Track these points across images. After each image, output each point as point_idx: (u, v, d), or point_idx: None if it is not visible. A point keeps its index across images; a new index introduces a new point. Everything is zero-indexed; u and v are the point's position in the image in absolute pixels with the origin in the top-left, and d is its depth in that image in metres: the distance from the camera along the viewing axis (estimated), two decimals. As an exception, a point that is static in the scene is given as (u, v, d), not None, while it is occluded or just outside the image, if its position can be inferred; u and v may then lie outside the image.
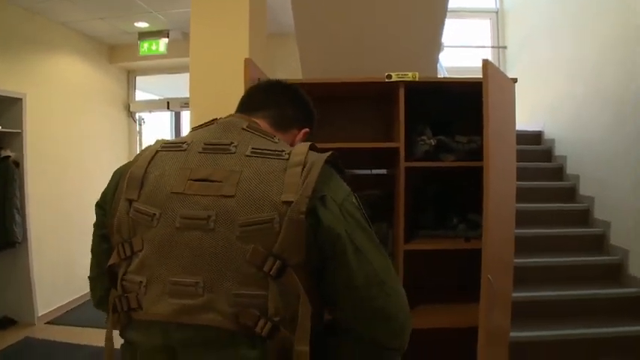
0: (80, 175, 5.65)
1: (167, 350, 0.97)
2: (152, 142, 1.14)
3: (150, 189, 1.01)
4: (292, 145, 1.18)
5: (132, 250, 1.01)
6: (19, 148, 4.64)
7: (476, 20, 7.68)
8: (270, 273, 0.92)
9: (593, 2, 4.85)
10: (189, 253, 0.95)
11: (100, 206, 1.14)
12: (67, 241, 5.39)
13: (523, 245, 3.81)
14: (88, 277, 1.18)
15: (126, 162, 1.12)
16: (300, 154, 1.00)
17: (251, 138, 1.06)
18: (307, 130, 1.29)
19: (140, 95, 6.86)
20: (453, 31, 6.83)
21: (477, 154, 2.19)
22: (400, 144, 2.32)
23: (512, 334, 2.62)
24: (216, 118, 1.15)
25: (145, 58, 5.83)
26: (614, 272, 4.12)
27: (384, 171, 2.90)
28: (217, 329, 0.93)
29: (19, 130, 4.61)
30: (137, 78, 6.74)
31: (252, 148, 1.01)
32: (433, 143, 2.41)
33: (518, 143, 2.57)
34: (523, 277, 3.70)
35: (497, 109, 2.05)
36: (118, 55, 6.23)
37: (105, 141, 6.16)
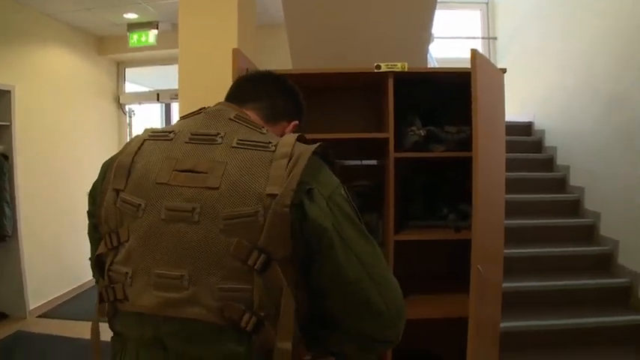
0: (70, 167, 5.62)
1: (156, 342, 0.96)
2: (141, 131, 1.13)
3: (136, 179, 1.00)
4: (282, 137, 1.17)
5: (118, 240, 1.00)
6: (8, 141, 4.61)
7: (466, 11, 7.70)
8: (255, 267, 0.91)
9: (583, -7, 4.86)
10: (174, 245, 0.94)
11: (90, 195, 1.13)
12: (57, 233, 5.37)
13: (513, 236, 3.84)
14: (89, 258, 1.17)
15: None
16: (287, 146, 0.98)
17: (238, 129, 1.04)
18: (297, 122, 1.28)
19: (130, 87, 6.80)
20: (443, 22, 6.83)
21: (467, 144, 2.19)
22: (390, 134, 2.32)
23: (502, 324, 2.63)
24: (204, 107, 1.13)
25: (135, 49, 5.77)
26: (604, 262, 4.16)
27: (374, 162, 2.90)
28: (203, 323, 0.92)
29: (8, 123, 4.58)
30: (127, 70, 6.68)
31: (239, 140, 0.99)
32: (423, 134, 2.41)
33: (508, 134, 2.58)
34: (513, 267, 3.72)
35: (486, 99, 2.05)
36: (107, 47, 6.18)
37: (95, 133, 6.12)
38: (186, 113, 1.15)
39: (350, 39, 2.96)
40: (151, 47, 5.64)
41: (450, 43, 7.19)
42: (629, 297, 3.82)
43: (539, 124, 5.82)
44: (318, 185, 0.97)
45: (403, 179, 2.58)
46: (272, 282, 0.92)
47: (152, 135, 1.07)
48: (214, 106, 1.14)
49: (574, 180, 4.90)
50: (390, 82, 2.32)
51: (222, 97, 1.23)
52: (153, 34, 5.52)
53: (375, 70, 2.31)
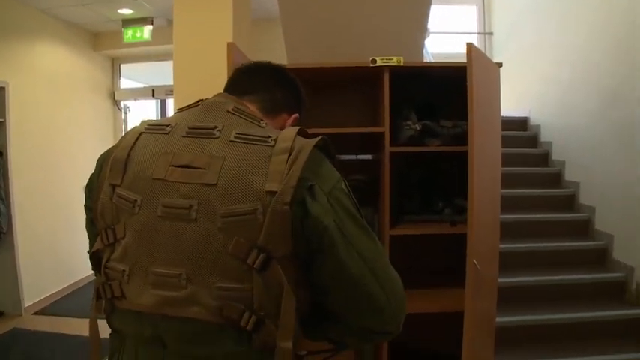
0: (65, 164, 5.60)
1: (155, 340, 0.95)
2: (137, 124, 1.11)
3: (132, 174, 0.98)
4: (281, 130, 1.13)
5: (115, 236, 0.99)
6: (3, 137, 4.61)
7: (462, 6, 7.69)
8: (254, 266, 0.89)
9: (579, -12, 4.86)
10: (172, 243, 0.93)
11: (87, 189, 1.11)
12: (53, 230, 5.36)
13: (508, 230, 3.84)
14: (88, 251, 1.15)
15: (111, 148, 1.09)
16: (287, 141, 0.95)
17: (236, 122, 1.01)
18: (297, 115, 1.25)
19: (125, 83, 6.78)
20: (439, 17, 6.82)
21: (462, 138, 2.19)
22: (385, 129, 2.31)
23: (497, 319, 2.64)
24: (202, 99, 1.11)
25: (130, 45, 5.75)
26: (600, 257, 4.17)
27: (369, 156, 2.90)
28: (202, 322, 0.91)
29: (2, 119, 4.58)
30: (122, 66, 6.66)
31: (237, 134, 0.97)
32: (418, 128, 2.40)
33: (504, 129, 2.58)
34: (508, 262, 3.72)
35: (482, 93, 2.05)
36: (102, 43, 6.15)
37: (90, 129, 6.10)
38: (182, 106, 1.12)
39: (345, 33, 2.95)
40: (145, 43, 5.62)
41: (446, 38, 7.18)
42: (623, 291, 3.84)
43: (534, 119, 5.83)
44: (319, 181, 0.95)
45: (399, 174, 2.58)
46: (272, 280, 0.91)
47: (149, 128, 1.04)
48: (212, 97, 1.12)
49: (569, 175, 4.91)
50: (386, 76, 2.32)
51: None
52: (148, 29, 5.50)
53: (371, 65, 2.30)
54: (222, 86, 1.22)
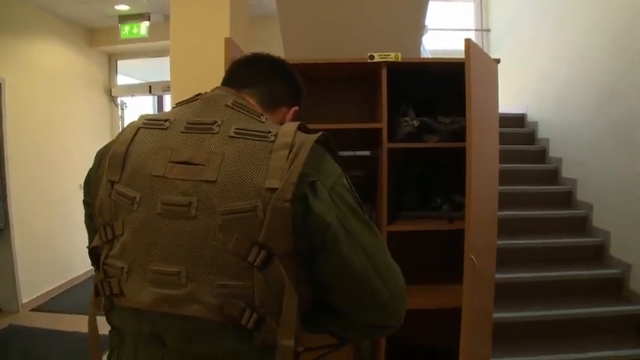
0: (62, 160, 5.60)
1: (155, 338, 0.94)
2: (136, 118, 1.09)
3: (131, 170, 0.97)
4: (282, 124, 1.07)
5: (113, 233, 0.98)
6: (0, 133, 4.57)
7: (460, 3, 7.67)
8: (255, 264, 0.88)
9: (576, -16, 4.86)
10: (171, 241, 0.92)
11: (85, 184, 1.11)
12: (50, 226, 5.36)
13: (506, 227, 3.84)
14: (87, 247, 1.15)
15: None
16: (287, 136, 0.94)
17: (235, 116, 1.00)
18: (297, 108, 1.24)
19: (122, 79, 6.77)
20: (436, 13, 6.81)
21: (460, 134, 2.19)
22: (383, 125, 2.31)
23: (495, 315, 2.64)
24: (201, 93, 1.09)
25: (127, 41, 5.74)
26: (597, 254, 4.17)
27: (367, 152, 2.89)
28: (202, 320, 0.91)
29: (-1, 116, 4.55)
30: (118, 62, 6.66)
31: (236, 129, 0.95)
32: (416, 124, 2.40)
33: (501, 126, 2.58)
34: (505, 258, 3.73)
35: (480, 89, 2.04)
36: (99, 39, 6.14)
37: (86, 125, 6.09)
38: (181, 100, 1.11)
39: (343, 31, 2.95)
40: (142, 39, 5.61)
41: (443, 35, 7.17)
42: (620, 288, 3.84)
43: (532, 115, 5.83)
44: (321, 176, 0.94)
45: (396, 170, 2.58)
46: (273, 278, 0.90)
47: (147, 123, 1.03)
48: (211, 91, 1.10)
49: (566, 172, 4.92)
50: (384, 72, 2.31)
51: (214, 89, 1.19)
52: (144, 25, 5.49)
53: (369, 61, 2.29)
54: (220, 82, 1.19)
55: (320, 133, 0.99)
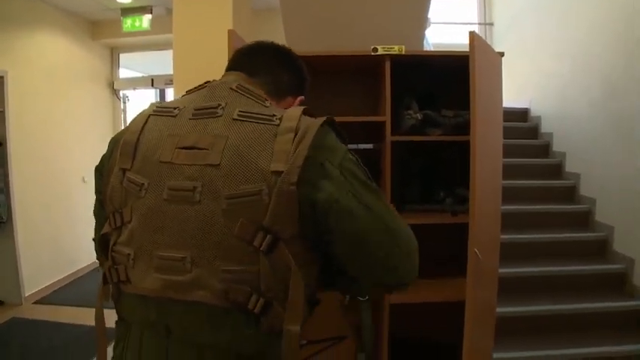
0: (64, 153, 5.59)
1: (160, 326, 0.94)
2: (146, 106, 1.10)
3: (141, 158, 0.97)
4: None
5: (122, 220, 0.99)
6: (2, 127, 4.60)
7: (463, -3, 7.65)
8: (261, 248, 0.87)
9: (580, -22, 4.83)
10: (176, 226, 0.92)
11: (97, 170, 1.11)
12: (53, 219, 5.36)
13: (509, 221, 3.83)
14: (93, 239, 1.15)
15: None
16: (292, 120, 0.93)
17: (239, 99, 0.99)
18: (302, 97, 1.22)
19: (124, 73, 6.76)
20: (439, 7, 6.78)
21: (464, 128, 2.18)
22: (386, 118, 2.30)
23: (497, 309, 2.64)
24: (209, 81, 1.09)
25: (129, 34, 5.71)
26: (600, 249, 4.17)
27: (370, 145, 2.88)
28: (208, 306, 0.90)
29: (2, 109, 4.57)
30: (121, 55, 6.64)
31: (240, 111, 0.95)
32: (419, 117, 2.39)
33: (504, 120, 2.57)
34: (508, 253, 3.72)
35: (484, 82, 2.03)
36: (101, 32, 6.12)
37: (89, 119, 6.09)
38: (190, 88, 1.11)
39: (346, 24, 2.93)
40: (145, 32, 5.59)
41: (446, 28, 7.14)
42: (624, 283, 3.83)
43: (535, 110, 5.81)
44: (329, 155, 0.93)
45: (400, 163, 2.57)
46: (279, 262, 0.89)
47: (157, 111, 1.04)
48: (221, 78, 1.10)
49: (570, 166, 4.90)
50: (387, 65, 2.30)
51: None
52: (147, 18, 5.47)
53: (372, 53, 2.28)
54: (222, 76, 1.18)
55: (325, 117, 0.99)
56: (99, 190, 1.09)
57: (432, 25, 5.85)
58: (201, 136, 0.94)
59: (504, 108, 2.57)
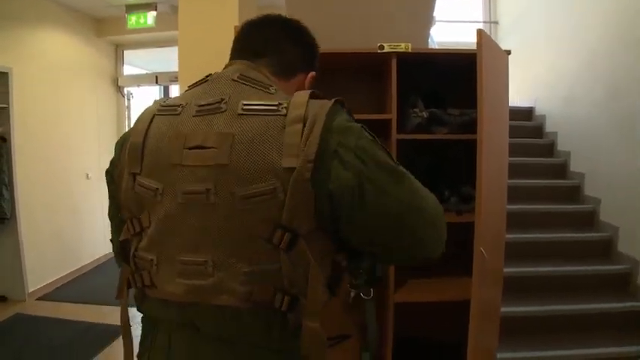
0: (69, 150, 5.59)
1: (189, 325, 0.94)
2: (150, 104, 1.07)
3: (150, 161, 0.96)
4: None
5: (141, 226, 0.98)
6: (7, 124, 4.59)
7: (468, -5, 7.62)
8: (281, 246, 0.86)
9: (586, -23, 4.82)
10: (194, 230, 0.91)
11: (108, 173, 1.09)
12: (57, 216, 5.37)
13: (513, 221, 3.81)
14: (110, 239, 1.14)
15: (114, 137, 1.07)
16: (300, 107, 0.89)
17: (243, 91, 0.96)
18: (314, 73, 1.18)
19: (128, 70, 6.77)
20: (444, 5, 6.75)
21: (470, 126, 2.17)
22: (392, 116, 2.29)
23: (502, 309, 2.63)
24: (211, 74, 1.05)
25: (133, 31, 5.71)
26: (605, 249, 4.15)
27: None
28: (232, 308, 0.89)
29: (6, 105, 4.55)
30: (125, 52, 6.64)
31: (244, 105, 0.91)
32: (425, 115, 2.38)
33: (509, 119, 2.56)
34: (513, 252, 3.71)
35: (491, 80, 2.02)
36: (106, 29, 6.12)
37: (93, 116, 6.08)
38: (192, 83, 1.08)
39: (351, 22, 2.92)
40: (149, 29, 5.58)
41: (451, 27, 7.12)
42: (628, 283, 3.82)
43: (540, 109, 5.79)
44: (342, 137, 0.89)
45: (405, 161, 2.55)
46: (299, 259, 0.88)
47: (161, 109, 1.01)
48: (223, 69, 1.07)
49: (574, 166, 4.89)
50: (393, 63, 2.29)
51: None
52: (151, 15, 5.46)
53: (379, 51, 2.28)
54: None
55: (333, 100, 0.95)
56: (112, 195, 1.08)
57: (437, 23, 5.83)
58: (207, 134, 0.91)
59: (509, 106, 2.56)
